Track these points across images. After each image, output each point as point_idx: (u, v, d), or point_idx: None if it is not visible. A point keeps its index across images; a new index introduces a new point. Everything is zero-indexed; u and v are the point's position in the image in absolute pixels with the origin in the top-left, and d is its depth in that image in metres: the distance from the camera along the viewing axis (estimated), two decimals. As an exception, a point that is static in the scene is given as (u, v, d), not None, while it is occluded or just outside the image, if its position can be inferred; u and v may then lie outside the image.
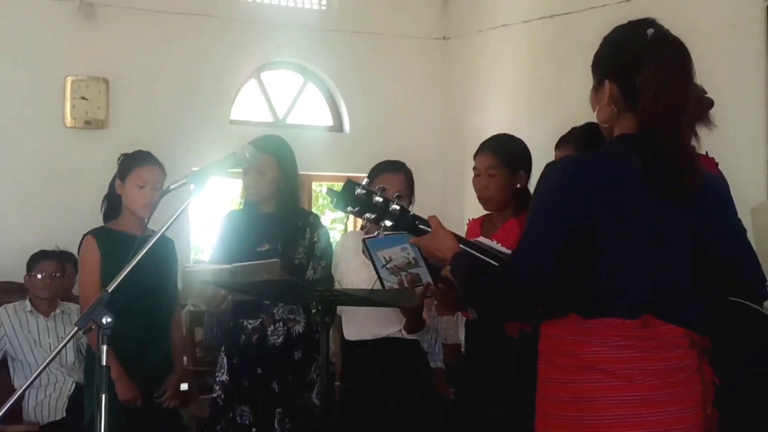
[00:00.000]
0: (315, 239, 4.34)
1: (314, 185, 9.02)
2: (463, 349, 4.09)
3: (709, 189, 2.51)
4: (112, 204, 4.42)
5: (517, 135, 4.05)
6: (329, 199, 2.88)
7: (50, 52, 7.52)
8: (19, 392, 2.97)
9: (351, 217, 9.13)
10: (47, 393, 5.53)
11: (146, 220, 4.00)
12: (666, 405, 2.40)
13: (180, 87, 7.98)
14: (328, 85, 8.86)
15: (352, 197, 2.76)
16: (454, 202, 8.01)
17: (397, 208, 2.78)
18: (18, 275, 6.16)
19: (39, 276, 5.68)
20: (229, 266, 3.86)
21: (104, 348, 2.81)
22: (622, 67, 2.48)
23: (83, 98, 7.56)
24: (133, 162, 4.35)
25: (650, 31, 2.48)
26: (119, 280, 2.84)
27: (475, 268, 2.65)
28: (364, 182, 2.80)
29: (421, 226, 2.82)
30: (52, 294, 5.73)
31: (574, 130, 3.80)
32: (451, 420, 4.04)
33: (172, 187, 2.99)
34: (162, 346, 4.42)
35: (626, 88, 2.47)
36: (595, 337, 2.41)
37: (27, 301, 5.71)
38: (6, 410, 3.07)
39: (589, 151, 3.52)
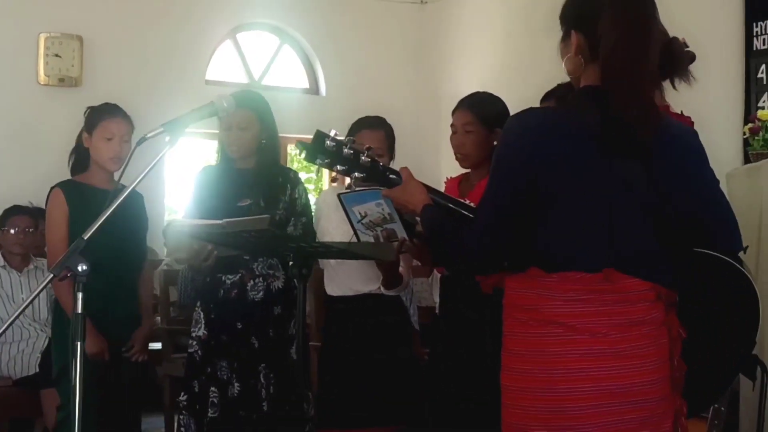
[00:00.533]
0: (296, 196, 4.34)
1: (290, 147, 9.02)
2: (437, 307, 4.11)
3: (674, 141, 2.50)
4: (80, 157, 4.38)
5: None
6: (299, 150, 2.87)
7: (23, 9, 7.47)
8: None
9: (325, 176, 9.15)
10: (20, 348, 5.53)
11: (120, 175, 3.98)
12: (629, 359, 2.40)
13: (155, 46, 7.95)
14: (305, 47, 8.85)
15: (322, 149, 2.76)
16: (429, 164, 8.02)
17: (368, 160, 2.78)
18: (-10, 233, 6.14)
19: (12, 231, 5.65)
20: (219, 221, 3.85)
21: (80, 296, 2.82)
22: (586, 16, 2.47)
23: (57, 56, 7.52)
24: (99, 114, 4.31)
25: None
26: (93, 229, 2.84)
27: (440, 222, 2.67)
28: (333, 133, 2.79)
29: (392, 177, 2.82)
30: (25, 249, 5.71)
31: (559, 85, 3.81)
32: (428, 375, 4.07)
33: (148, 135, 2.95)
34: (129, 301, 4.40)
35: (592, 38, 2.47)
36: (556, 291, 2.42)
37: (-1, 256, 5.70)
38: None
39: None
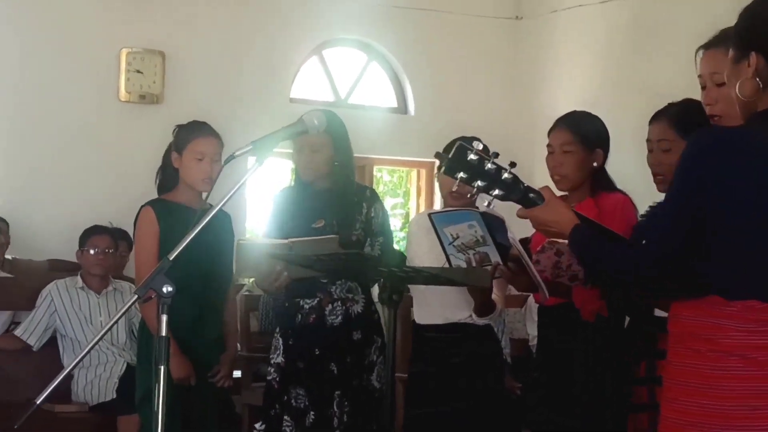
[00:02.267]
0: (372, 215, 4.38)
1: (375, 170, 9.07)
2: (529, 339, 4.14)
3: None
4: (167, 176, 4.45)
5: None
6: (438, 162, 2.83)
7: (105, 24, 7.64)
8: (68, 369, 3.07)
9: (413, 201, 9.19)
10: (97, 373, 5.63)
11: (207, 194, 4.03)
12: None
13: (239, 62, 8.07)
14: (393, 64, 8.89)
15: (463, 162, 2.71)
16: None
17: (510, 177, 2.74)
18: (68, 253, 6.27)
19: (91, 251, 5.77)
20: (285, 241, 3.89)
21: (164, 318, 2.86)
22: None
23: (138, 71, 7.68)
24: (189, 133, 4.37)
25: None
26: (180, 249, 2.89)
27: (602, 241, 2.66)
28: (478, 146, 2.76)
29: (532, 196, 2.78)
30: (105, 270, 5.81)
31: (671, 105, 3.79)
32: (524, 406, 4.09)
33: (237, 153, 3.00)
34: (215, 324, 4.46)
35: None
36: (737, 321, 2.40)
37: (78, 277, 5.81)
38: (55, 389, 3.17)
39: (683, 127, 3.53)
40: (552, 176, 3.90)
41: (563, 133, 3.86)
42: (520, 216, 2.85)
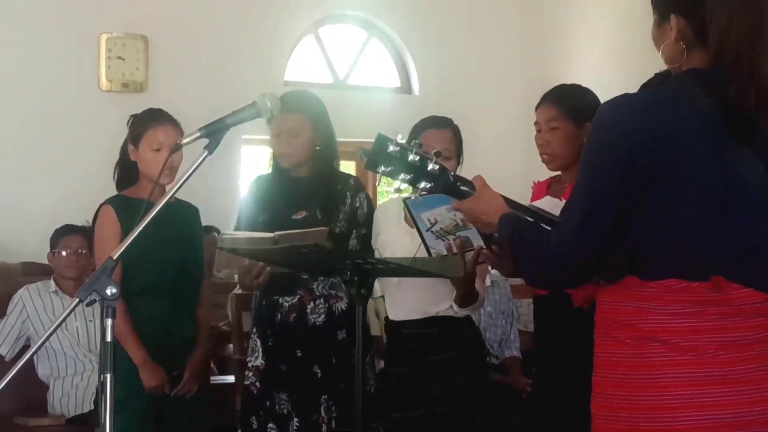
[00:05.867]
0: (357, 204, 4.34)
1: (380, 155, 9.02)
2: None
3: None
4: (126, 171, 4.47)
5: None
6: (360, 156, 2.86)
7: (83, 8, 7.62)
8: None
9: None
10: (74, 383, 5.59)
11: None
12: (740, 383, 2.34)
13: (228, 44, 8.04)
14: (395, 41, 8.86)
15: (384, 155, 2.73)
16: (539, 169, 7.93)
17: (436, 167, 2.75)
18: (44, 255, 6.25)
19: (63, 253, 5.74)
20: (271, 234, 3.86)
21: (109, 322, 2.82)
22: None
23: (120, 58, 7.67)
24: (144, 123, 4.38)
25: None
26: (123, 248, 2.86)
27: (521, 231, 2.61)
28: (398, 138, 2.76)
29: (463, 188, 2.79)
30: (79, 273, 5.78)
31: (656, 75, 3.72)
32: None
33: (183, 141, 3.00)
34: (190, 324, 4.47)
35: (696, 21, 2.42)
36: (657, 303, 2.36)
37: (51, 281, 5.79)
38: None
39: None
40: (541, 156, 3.86)
41: (548, 108, 3.84)
42: (455, 209, 2.87)
